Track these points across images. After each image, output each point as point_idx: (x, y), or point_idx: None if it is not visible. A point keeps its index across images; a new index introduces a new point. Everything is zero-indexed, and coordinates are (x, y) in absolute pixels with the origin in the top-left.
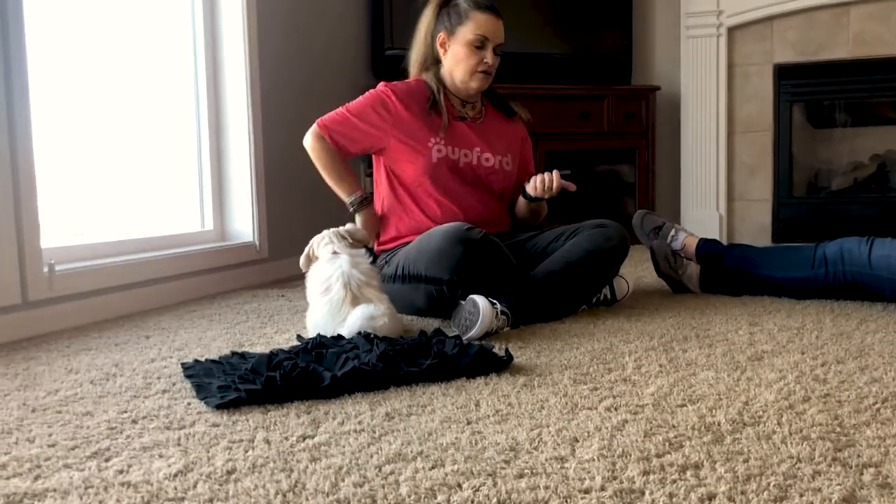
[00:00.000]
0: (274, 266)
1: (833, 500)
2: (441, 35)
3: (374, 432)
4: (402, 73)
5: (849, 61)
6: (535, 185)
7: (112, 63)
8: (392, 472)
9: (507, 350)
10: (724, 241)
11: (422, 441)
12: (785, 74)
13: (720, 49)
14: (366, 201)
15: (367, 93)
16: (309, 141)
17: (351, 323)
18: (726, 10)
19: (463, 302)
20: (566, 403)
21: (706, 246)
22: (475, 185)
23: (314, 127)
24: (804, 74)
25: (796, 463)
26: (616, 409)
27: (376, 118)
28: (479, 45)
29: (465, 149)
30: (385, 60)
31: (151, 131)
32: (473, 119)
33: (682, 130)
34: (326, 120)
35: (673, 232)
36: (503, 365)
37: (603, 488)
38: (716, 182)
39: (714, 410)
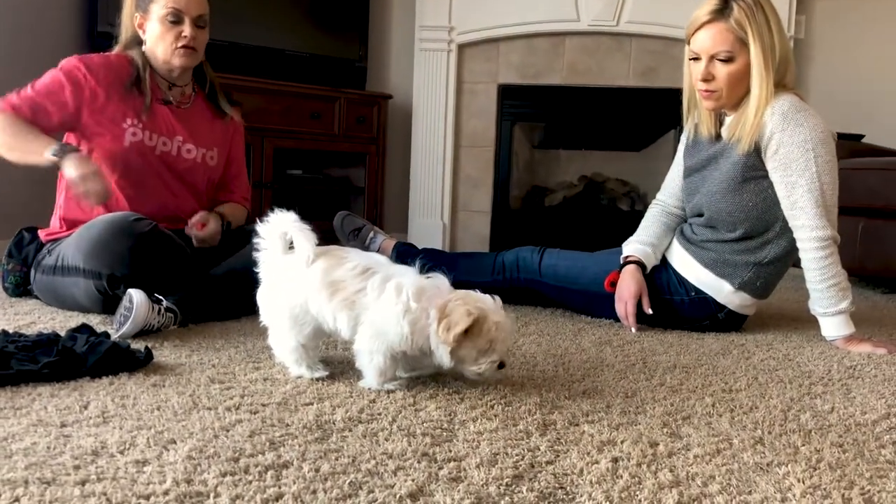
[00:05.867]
0: None
1: (398, 496)
2: (138, 16)
3: None
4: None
5: (563, 87)
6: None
7: None
8: None
9: (146, 348)
10: (448, 249)
11: None
12: (507, 94)
13: (450, 64)
14: (70, 146)
15: (56, 68)
16: None
17: None
18: (457, 27)
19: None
20: (186, 403)
21: (401, 249)
22: (171, 176)
23: None
24: (524, 96)
25: (386, 459)
26: (237, 408)
27: (66, 96)
28: (173, 19)
29: (165, 136)
30: (97, 38)
31: None
32: (179, 104)
33: (413, 140)
34: (11, 101)
35: (371, 234)
36: (139, 364)
37: (167, 492)
38: (441, 192)
39: (336, 409)
